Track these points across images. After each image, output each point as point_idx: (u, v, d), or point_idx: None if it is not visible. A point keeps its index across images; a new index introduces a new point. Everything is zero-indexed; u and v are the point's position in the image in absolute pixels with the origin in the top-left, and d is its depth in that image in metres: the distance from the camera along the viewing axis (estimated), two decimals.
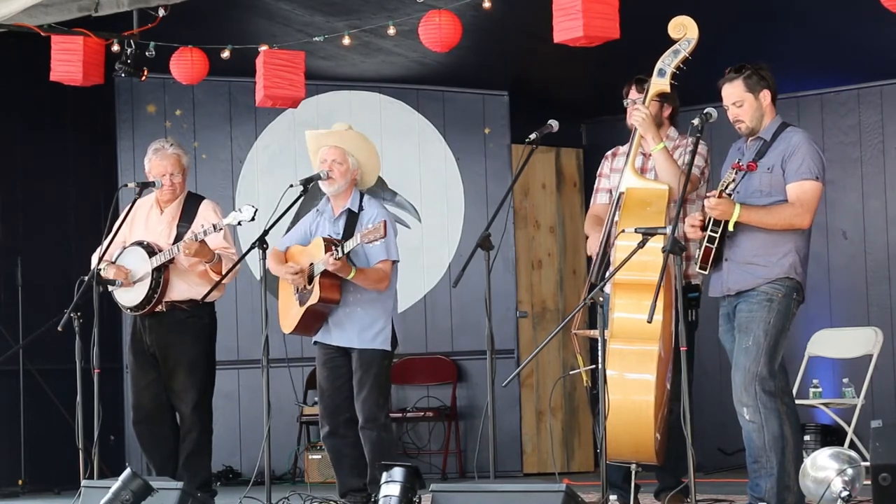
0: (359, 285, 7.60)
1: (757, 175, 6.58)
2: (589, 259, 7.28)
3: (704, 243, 6.55)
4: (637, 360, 6.59)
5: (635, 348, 6.60)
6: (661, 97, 7.19)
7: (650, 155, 7.08)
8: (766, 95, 6.62)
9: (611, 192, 7.29)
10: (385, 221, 7.33)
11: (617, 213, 6.88)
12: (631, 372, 6.58)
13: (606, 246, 6.96)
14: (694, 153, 6.62)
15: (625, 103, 7.24)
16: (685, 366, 6.19)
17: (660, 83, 7.00)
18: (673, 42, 6.94)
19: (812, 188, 6.53)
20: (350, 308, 7.66)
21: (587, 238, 7.40)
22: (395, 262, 7.68)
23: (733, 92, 6.63)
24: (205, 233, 7.75)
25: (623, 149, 7.34)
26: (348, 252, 7.43)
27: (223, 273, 7.80)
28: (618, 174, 7.19)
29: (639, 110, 7.00)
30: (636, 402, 6.54)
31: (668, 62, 6.97)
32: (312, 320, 7.72)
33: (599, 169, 7.51)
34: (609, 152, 7.51)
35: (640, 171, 7.14)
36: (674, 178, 6.90)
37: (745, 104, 6.61)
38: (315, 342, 7.84)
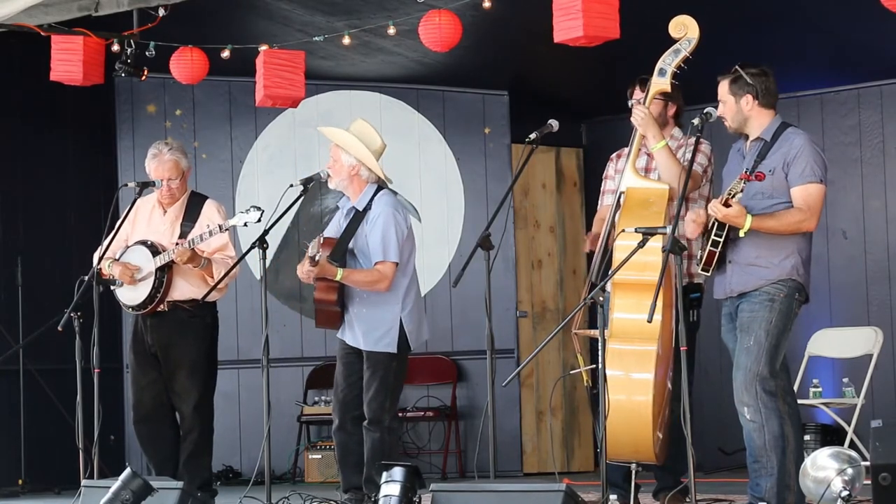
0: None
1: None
2: (589, 258, 7.28)
3: (708, 247, 6.57)
4: (636, 359, 6.60)
5: (634, 348, 6.61)
6: (665, 96, 7.21)
7: (654, 155, 7.08)
8: (748, 101, 6.66)
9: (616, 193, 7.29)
10: (319, 238, 7.37)
11: (617, 213, 6.89)
12: (629, 371, 6.60)
13: (606, 245, 6.96)
14: (695, 152, 6.65)
15: (629, 104, 7.23)
16: (685, 366, 6.19)
17: (660, 82, 7.00)
18: (674, 41, 6.95)
19: (817, 191, 6.56)
20: (357, 308, 7.64)
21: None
22: (396, 264, 7.57)
23: (719, 91, 6.73)
24: (210, 233, 7.76)
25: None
26: (317, 256, 7.33)
27: (215, 276, 7.82)
28: (622, 175, 7.19)
29: (639, 109, 7.00)
30: (635, 401, 6.55)
31: (668, 61, 6.97)
32: (324, 316, 7.72)
33: (605, 171, 7.50)
34: (614, 154, 7.49)
35: (644, 171, 7.16)
36: (675, 177, 6.90)
37: (725, 105, 6.71)
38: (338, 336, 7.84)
